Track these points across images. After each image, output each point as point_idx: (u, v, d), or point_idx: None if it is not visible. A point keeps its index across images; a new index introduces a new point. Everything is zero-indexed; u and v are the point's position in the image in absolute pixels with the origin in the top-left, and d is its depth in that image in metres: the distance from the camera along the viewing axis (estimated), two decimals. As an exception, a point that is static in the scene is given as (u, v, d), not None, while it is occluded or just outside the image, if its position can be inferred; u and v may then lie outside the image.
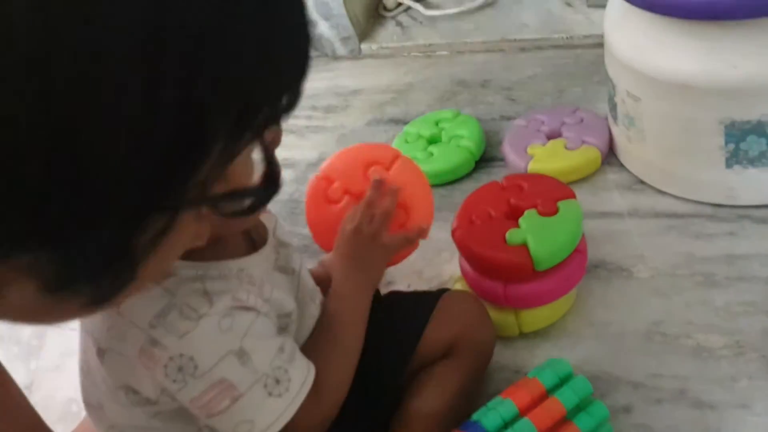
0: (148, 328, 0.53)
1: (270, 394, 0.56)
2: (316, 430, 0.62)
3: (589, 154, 0.98)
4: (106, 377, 0.57)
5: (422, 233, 0.77)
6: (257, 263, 0.60)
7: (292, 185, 1.10)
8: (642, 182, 0.96)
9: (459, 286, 0.87)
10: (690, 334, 0.78)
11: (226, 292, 0.55)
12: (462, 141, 1.05)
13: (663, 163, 0.92)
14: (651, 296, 0.83)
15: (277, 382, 0.56)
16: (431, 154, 1.04)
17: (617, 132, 0.97)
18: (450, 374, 0.71)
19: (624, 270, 0.87)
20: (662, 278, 0.84)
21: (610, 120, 0.99)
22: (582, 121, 1.02)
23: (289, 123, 1.32)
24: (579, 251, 0.80)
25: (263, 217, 0.66)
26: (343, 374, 0.65)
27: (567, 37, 1.24)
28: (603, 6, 0.97)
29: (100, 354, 0.57)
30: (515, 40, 1.27)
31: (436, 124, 1.09)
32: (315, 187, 0.82)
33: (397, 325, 0.73)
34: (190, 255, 0.53)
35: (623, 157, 0.98)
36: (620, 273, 0.86)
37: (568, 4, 1.30)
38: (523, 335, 0.82)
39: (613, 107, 0.95)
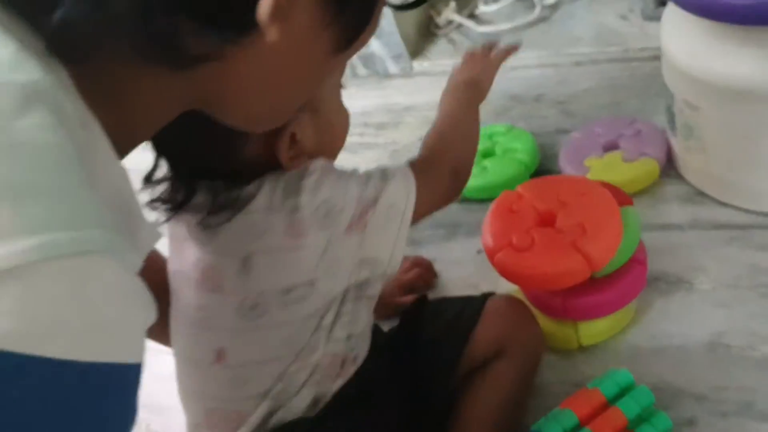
0: (282, 204, 0.60)
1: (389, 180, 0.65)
2: (446, 195, 0.73)
3: (647, 166, 0.97)
4: (261, 285, 0.61)
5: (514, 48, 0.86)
6: None
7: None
8: (702, 194, 0.94)
9: (516, 298, 0.86)
10: (755, 346, 0.76)
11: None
12: (516, 154, 1.05)
13: (723, 174, 0.90)
14: (714, 308, 0.81)
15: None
16: (485, 167, 1.04)
17: (676, 143, 0.96)
18: (502, 375, 0.72)
19: (685, 282, 0.85)
20: (725, 290, 0.83)
21: (668, 131, 0.98)
22: (639, 132, 1.01)
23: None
24: (639, 262, 0.79)
25: None
26: (461, 149, 0.74)
27: (622, 50, 1.23)
28: (658, 19, 0.96)
29: (246, 265, 0.60)
30: (570, 54, 1.27)
31: (490, 138, 1.09)
32: (503, 197, 0.83)
33: (446, 329, 0.75)
34: None
35: (682, 168, 0.97)
36: (681, 285, 0.85)
37: (623, 18, 1.29)
38: (582, 348, 0.81)
39: (671, 118, 0.94)
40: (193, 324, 0.65)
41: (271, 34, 0.41)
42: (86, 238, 0.33)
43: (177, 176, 0.62)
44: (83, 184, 0.35)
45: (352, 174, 0.64)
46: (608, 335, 0.81)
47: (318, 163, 0.62)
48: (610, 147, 1.01)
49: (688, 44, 0.85)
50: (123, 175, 0.42)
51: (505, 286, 0.91)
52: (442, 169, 0.71)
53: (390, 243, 0.65)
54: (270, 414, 0.62)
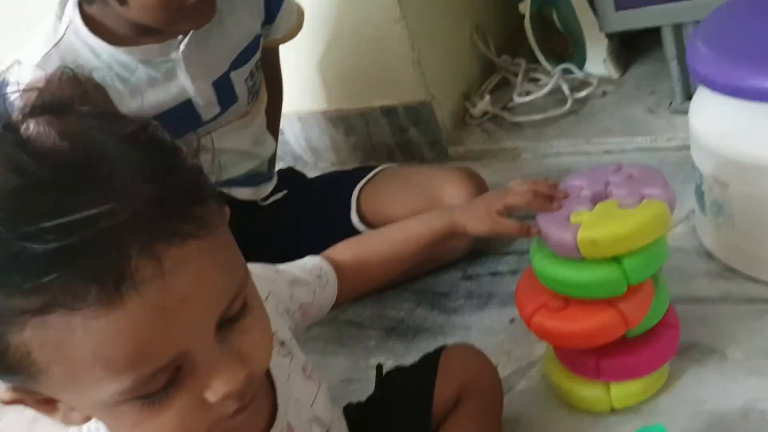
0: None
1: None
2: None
3: (654, 209, 0.73)
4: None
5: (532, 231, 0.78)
6: None
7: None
8: (732, 270, 0.96)
9: (550, 365, 0.87)
10: (790, 413, 0.77)
11: None
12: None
13: (753, 249, 0.92)
14: (747, 376, 0.82)
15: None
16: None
17: (705, 221, 0.99)
18: (464, 422, 0.77)
19: (717, 352, 0.86)
20: (757, 360, 0.83)
21: (698, 211, 1.01)
22: (631, 176, 0.79)
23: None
24: (671, 325, 0.80)
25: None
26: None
27: (651, 140, 1.28)
28: (685, 112, 1.00)
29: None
30: (599, 142, 1.32)
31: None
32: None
33: (408, 396, 0.78)
34: None
35: (712, 245, 0.99)
36: (713, 354, 0.86)
37: (651, 111, 1.34)
38: (614, 411, 0.82)
39: (701, 196, 0.97)
40: None
41: None
42: None
43: None
44: None
45: None
46: (641, 398, 0.81)
47: None
48: (599, 198, 0.78)
49: (717, 123, 0.90)
50: None
51: (538, 352, 0.93)
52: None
53: None
54: None
